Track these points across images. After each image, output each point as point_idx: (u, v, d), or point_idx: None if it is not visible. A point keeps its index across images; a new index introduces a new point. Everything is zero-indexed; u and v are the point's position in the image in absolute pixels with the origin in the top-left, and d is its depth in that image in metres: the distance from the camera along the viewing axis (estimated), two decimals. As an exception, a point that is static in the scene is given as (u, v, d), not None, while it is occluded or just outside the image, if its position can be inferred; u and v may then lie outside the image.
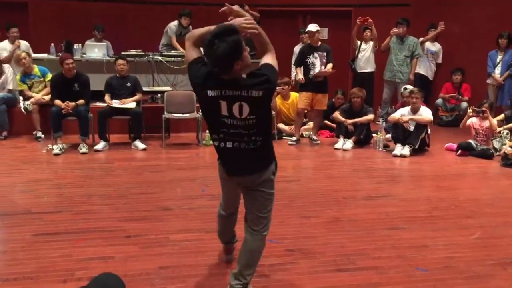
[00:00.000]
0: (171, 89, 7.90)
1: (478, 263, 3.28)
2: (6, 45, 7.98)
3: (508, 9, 8.70)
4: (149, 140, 7.21)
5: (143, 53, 8.17)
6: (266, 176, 2.70)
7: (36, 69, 7.39)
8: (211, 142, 7.53)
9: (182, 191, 4.90)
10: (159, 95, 7.87)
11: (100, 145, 6.65)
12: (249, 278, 2.70)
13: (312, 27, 7.04)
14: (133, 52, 8.09)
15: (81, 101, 6.60)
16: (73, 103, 6.51)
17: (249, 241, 2.70)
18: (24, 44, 8.03)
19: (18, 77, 7.40)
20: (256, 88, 2.44)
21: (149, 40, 8.77)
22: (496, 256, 3.40)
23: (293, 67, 7.58)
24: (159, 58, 8.13)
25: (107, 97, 6.89)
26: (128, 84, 7.02)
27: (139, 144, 6.77)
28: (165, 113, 7.21)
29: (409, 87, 7.68)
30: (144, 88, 7.51)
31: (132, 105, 6.87)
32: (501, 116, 7.10)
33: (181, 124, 7.83)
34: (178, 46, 8.49)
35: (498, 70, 8.30)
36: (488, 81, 8.46)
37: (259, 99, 2.45)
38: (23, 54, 7.28)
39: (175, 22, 8.54)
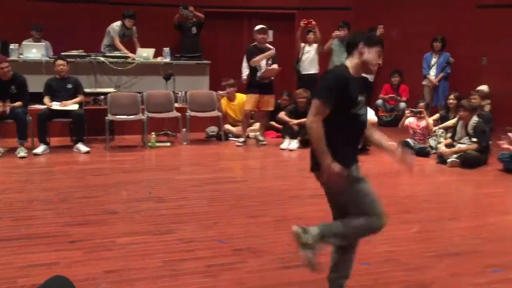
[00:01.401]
0: (114, 90, 7.73)
1: (417, 256, 3.45)
2: None
3: (442, 14, 9.19)
4: (92, 143, 7.03)
5: (85, 54, 7.94)
6: None
7: None
8: (157, 144, 7.47)
9: (128, 194, 4.82)
10: (102, 96, 7.68)
11: (40, 148, 6.41)
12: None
13: (264, 26, 7.15)
14: (74, 52, 7.85)
15: (18, 103, 6.33)
16: (10, 105, 6.23)
17: None
18: None
19: None
20: None
21: (91, 40, 8.53)
22: (433, 248, 3.59)
23: (244, 66, 7.60)
24: (102, 59, 7.94)
25: (46, 99, 6.64)
26: (69, 86, 6.81)
27: (81, 147, 6.58)
28: (109, 115, 7.05)
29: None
30: (86, 90, 7.31)
31: (74, 107, 6.67)
32: (436, 115, 7.48)
33: (125, 126, 7.68)
34: (121, 47, 8.32)
35: (433, 72, 8.74)
36: (424, 82, 8.89)
37: None
38: None
39: (118, 23, 8.36)
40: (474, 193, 5.20)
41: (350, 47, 2.78)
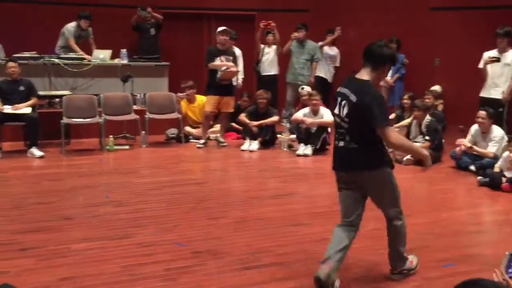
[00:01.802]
0: (70, 93, 7.53)
1: (373, 252, 3.53)
2: None
3: (397, 15, 9.42)
4: (47, 147, 6.82)
5: (38, 56, 7.70)
6: None
7: None
8: (115, 147, 7.33)
9: (85, 199, 4.71)
10: (57, 99, 7.47)
11: (-9, 153, 6.17)
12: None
13: (226, 28, 7.15)
14: (26, 54, 7.60)
15: None
16: None
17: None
18: None
19: None
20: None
21: (44, 42, 8.27)
22: (386, 245, 3.66)
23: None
24: (56, 60, 7.72)
25: (-3, 103, 6.41)
26: (21, 88, 6.59)
27: (35, 152, 6.38)
28: (64, 118, 6.87)
29: (306, 87, 8.02)
30: (40, 92, 7.09)
31: (27, 110, 6.46)
32: (392, 115, 7.65)
33: (82, 129, 7.50)
34: (77, 48, 8.11)
35: (389, 73, 8.94)
36: (380, 83, 9.07)
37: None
38: None
39: (73, 24, 8.15)
40: (428, 190, 5.36)
41: (377, 62, 3.11)
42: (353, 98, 2.93)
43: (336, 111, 3.06)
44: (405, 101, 7.39)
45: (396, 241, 3.13)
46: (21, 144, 6.83)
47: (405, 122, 7.20)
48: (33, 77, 7.15)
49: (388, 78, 8.90)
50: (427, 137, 6.41)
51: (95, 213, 4.26)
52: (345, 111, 2.96)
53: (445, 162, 6.41)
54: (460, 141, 6.13)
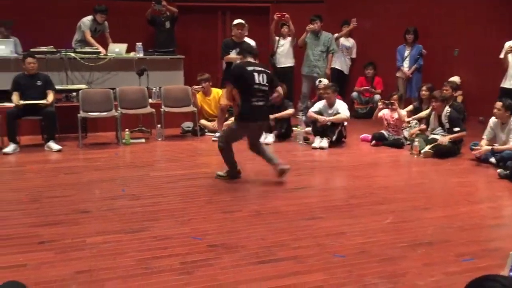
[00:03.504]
0: (86, 87, 7.58)
1: (391, 246, 3.47)
2: None
3: (414, 5, 9.26)
4: (65, 140, 6.88)
5: (55, 50, 7.76)
6: None
7: None
8: (131, 140, 7.36)
9: (101, 192, 4.74)
10: (74, 93, 7.52)
11: (10, 147, 6.24)
12: None
13: (242, 20, 7.12)
14: (43, 49, 7.66)
15: None
16: None
17: None
18: None
19: None
20: None
21: (61, 36, 8.34)
22: (407, 238, 3.62)
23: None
24: (73, 54, 7.77)
25: (14, 97, 6.47)
26: (39, 83, 6.64)
27: (53, 145, 6.44)
28: (81, 112, 6.92)
29: (323, 80, 7.94)
30: (57, 87, 7.14)
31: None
32: (410, 107, 7.56)
33: (99, 123, 7.55)
34: (93, 42, 8.16)
35: (406, 64, 8.82)
36: (398, 74, 8.97)
37: None
38: None
39: (89, 17, 8.20)
40: (447, 183, 5.26)
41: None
42: (267, 72, 4.99)
43: (257, 81, 4.84)
44: (423, 92, 7.27)
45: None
46: (38, 138, 6.90)
47: (423, 113, 7.09)
48: (50, 71, 7.22)
49: (406, 69, 8.77)
50: (456, 128, 6.27)
51: (111, 206, 4.28)
52: (265, 80, 4.90)
53: (464, 155, 6.30)
54: (478, 150, 5.92)
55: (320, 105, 7.05)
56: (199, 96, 7.86)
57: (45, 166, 5.72)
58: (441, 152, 6.16)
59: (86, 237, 3.55)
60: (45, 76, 6.78)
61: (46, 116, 6.50)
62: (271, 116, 7.17)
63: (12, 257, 3.20)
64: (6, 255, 3.23)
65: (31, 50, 7.36)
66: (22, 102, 6.41)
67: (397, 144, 6.81)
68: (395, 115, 6.92)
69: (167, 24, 8.86)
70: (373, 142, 6.97)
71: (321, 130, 6.86)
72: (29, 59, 6.61)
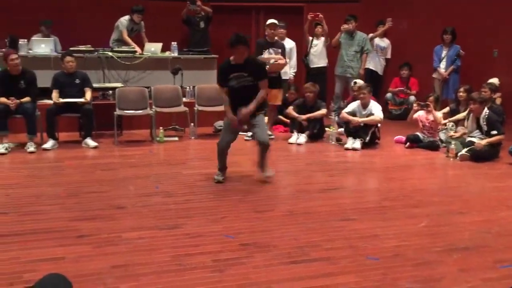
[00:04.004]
0: (122, 85, 7.74)
1: (426, 250, 3.41)
2: None
3: (452, 5, 9.06)
4: (101, 137, 7.04)
5: (93, 49, 7.95)
6: None
7: None
8: (165, 138, 7.46)
9: (136, 188, 4.83)
10: (110, 91, 7.69)
11: (49, 143, 6.43)
12: None
13: (275, 20, 7.13)
14: (82, 47, 7.86)
15: (26, 99, 6.35)
16: (17, 100, 6.26)
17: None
18: None
19: None
20: None
21: (99, 35, 8.54)
22: (442, 243, 3.55)
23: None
24: (110, 53, 7.95)
25: (54, 94, 6.66)
26: (77, 81, 6.81)
27: (90, 142, 6.60)
28: (117, 109, 7.07)
29: (359, 81, 7.86)
30: (95, 85, 7.31)
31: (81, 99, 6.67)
32: (447, 109, 7.39)
33: (134, 121, 7.68)
34: (130, 41, 8.33)
35: (443, 65, 8.63)
36: (434, 75, 8.79)
37: None
38: None
39: (126, 17, 8.37)
40: (485, 187, 5.13)
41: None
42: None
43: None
44: (461, 94, 7.10)
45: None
46: (76, 134, 7.10)
47: (460, 116, 6.93)
48: (88, 70, 7.38)
49: (442, 70, 8.60)
50: (494, 132, 6.12)
51: (146, 203, 4.36)
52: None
53: (503, 158, 6.13)
54: None
55: (353, 105, 6.98)
56: (232, 95, 7.90)
57: (82, 162, 5.88)
58: (478, 156, 6.01)
59: (121, 232, 3.63)
60: (83, 74, 6.95)
61: (84, 114, 6.67)
62: (304, 116, 7.17)
63: (51, 250, 3.30)
64: (47, 248, 3.33)
65: (70, 49, 7.56)
66: (61, 100, 6.59)
67: (433, 147, 6.68)
68: (431, 117, 6.79)
69: (202, 24, 8.95)
70: (408, 144, 6.86)
71: (354, 131, 6.80)
72: (68, 58, 6.79)
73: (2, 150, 6.06)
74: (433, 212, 4.22)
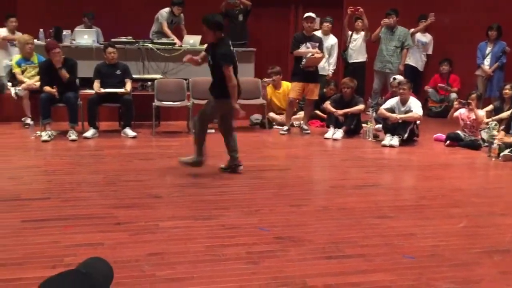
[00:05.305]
0: (161, 76, 7.85)
1: (464, 251, 3.33)
2: (4, 33, 7.89)
3: (497, 0, 8.74)
4: (139, 128, 7.18)
5: (133, 40, 8.10)
6: None
7: (35, 56, 7.38)
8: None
9: (172, 179, 4.90)
10: (149, 82, 7.82)
11: (90, 132, 6.61)
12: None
13: (312, 14, 7.08)
14: (123, 39, 8.02)
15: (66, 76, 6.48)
16: (65, 74, 6.43)
17: None
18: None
19: (15, 59, 7.34)
20: None
21: (140, 26, 8.69)
22: (482, 244, 3.45)
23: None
24: (150, 45, 8.07)
25: (96, 84, 6.83)
26: (118, 72, 6.97)
27: (129, 132, 6.74)
28: (156, 101, 7.18)
29: (399, 77, 7.71)
30: (134, 76, 7.46)
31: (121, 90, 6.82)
32: (490, 107, 7.17)
33: (171, 112, 7.80)
34: (170, 33, 8.43)
35: (487, 62, 8.36)
36: (477, 72, 8.53)
37: None
38: (31, 40, 7.24)
39: (167, 9, 8.48)
40: (528, 189, 4.95)
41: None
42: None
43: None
44: (507, 91, 6.87)
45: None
46: (116, 124, 7.26)
47: (505, 114, 6.71)
48: (128, 61, 7.54)
49: (487, 67, 8.33)
50: None
51: (181, 193, 4.42)
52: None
53: (548, 160, 5.90)
54: None
55: (392, 102, 6.86)
56: (269, 89, 7.91)
57: (121, 151, 6.01)
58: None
59: (158, 221, 3.69)
60: (124, 65, 7.10)
61: (124, 104, 6.82)
62: (340, 112, 7.09)
63: (91, 236, 3.39)
64: (86, 233, 3.43)
65: (112, 40, 7.73)
66: (102, 90, 6.75)
67: (474, 146, 6.49)
68: (472, 115, 6.60)
69: (240, 17, 8.96)
70: (448, 142, 6.69)
71: (391, 127, 6.68)
72: (110, 49, 6.94)
73: (46, 138, 6.27)
74: (473, 213, 4.11)
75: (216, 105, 4.95)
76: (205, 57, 5.09)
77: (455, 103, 6.86)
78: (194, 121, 4.96)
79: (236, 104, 4.89)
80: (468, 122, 6.67)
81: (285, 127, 7.34)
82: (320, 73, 7.56)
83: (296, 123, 7.68)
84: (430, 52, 9.49)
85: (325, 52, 7.55)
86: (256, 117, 7.82)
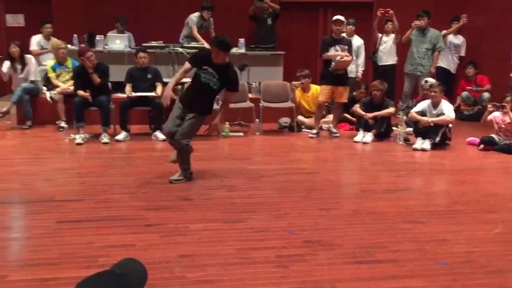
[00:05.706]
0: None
1: (500, 258, 3.24)
2: (40, 39, 8.20)
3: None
4: (169, 131, 7.26)
5: (164, 45, 8.22)
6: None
7: (69, 61, 7.57)
8: (230, 133, 7.60)
9: (201, 181, 4.94)
10: (179, 86, 7.90)
11: (121, 135, 6.73)
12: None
13: (341, 17, 7.05)
14: (154, 43, 8.15)
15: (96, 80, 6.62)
16: (96, 78, 6.58)
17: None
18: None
19: (50, 64, 7.56)
20: None
21: (170, 31, 8.82)
22: (518, 251, 3.36)
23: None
24: (180, 49, 8.18)
25: (127, 88, 6.96)
26: (149, 76, 7.08)
27: (159, 135, 6.83)
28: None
29: (430, 79, 7.58)
30: (165, 79, 7.53)
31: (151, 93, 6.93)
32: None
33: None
34: (199, 37, 8.52)
35: (521, 64, 8.13)
36: (511, 74, 8.30)
37: None
38: (63, 45, 7.45)
39: (197, 14, 8.58)
40: None
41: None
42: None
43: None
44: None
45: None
46: (146, 127, 7.37)
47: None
48: (159, 65, 7.64)
49: (522, 69, 8.10)
50: None
51: (211, 195, 4.46)
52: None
53: None
54: None
55: (423, 105, 6.75)
56: (298, 92, 7.89)
57: (151, 154, 6.10)
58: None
59: (188, 223, 3.73)
60: (155, 69, 7.21)
61: (154, 107, 6.92)
62: (370, 115, 7.02)
63: (123, 237, 3.45)
64: (118, 235, 3.49)
65: (143, 45, 7.86)
66: (134, 94, 6.87)
67: (509, 150, 6.31)
68: (507, 119, 6.43)
69: (269, 21, 8.99)
70: (481, 146, 6.53)
71: (423, 131, 6.57)
72: (141, 54, 7.06)
73: (79, 140, 6.42)
74: (508, 218, 4.00)
75: (198, 121, 4.89)
76: (188, 71, 5.04)
77: (489, 106, 6.70)
78: (180, 146, 4.77)
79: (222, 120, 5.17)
80: (503, 126, 6.50)
81: (314, 131, 7.31)
82: (349, 75, 7.51)
83: (325, 126, 7.63)
84: (463, 54, 9.30)
85: (352, 54, 7.48)
86: (285, 120, 7.81)
